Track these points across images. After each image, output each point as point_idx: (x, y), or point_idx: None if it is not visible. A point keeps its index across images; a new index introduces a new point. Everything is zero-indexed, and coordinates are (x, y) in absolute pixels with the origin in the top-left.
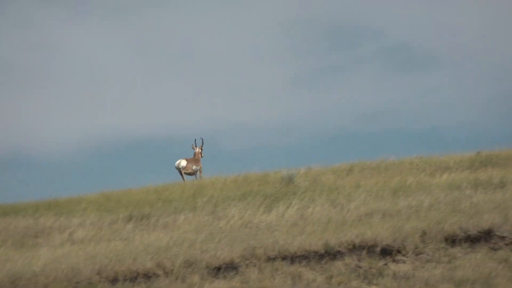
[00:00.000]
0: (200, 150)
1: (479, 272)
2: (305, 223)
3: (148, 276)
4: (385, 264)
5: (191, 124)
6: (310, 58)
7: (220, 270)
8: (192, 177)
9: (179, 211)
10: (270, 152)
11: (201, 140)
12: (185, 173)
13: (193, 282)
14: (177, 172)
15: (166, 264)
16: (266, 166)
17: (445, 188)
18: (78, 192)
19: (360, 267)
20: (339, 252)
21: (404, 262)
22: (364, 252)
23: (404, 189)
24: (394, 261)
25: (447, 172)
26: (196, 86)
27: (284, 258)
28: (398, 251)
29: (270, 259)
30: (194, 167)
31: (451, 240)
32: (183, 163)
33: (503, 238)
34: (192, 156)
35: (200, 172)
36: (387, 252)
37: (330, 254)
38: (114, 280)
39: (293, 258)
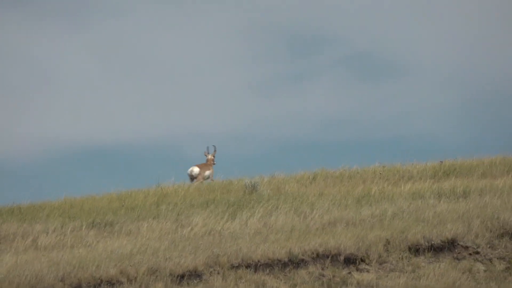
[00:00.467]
0: (212, 157)
1: (442, 282)
2: (268, 231)
3: (111, 283)
4: (349, 273)
5: (152, 131)
6: (271, 65)
7: (184, 277)
8: (196, 181)
9: (143, 219)
10: (233, 160)
11: (214, 147)
12: (196, 179)
13: None
14: (188, 178)
15: (130, 272)
16: (229, 174)
17: (409, 197)
18: (41, 198)
19: (323, 276)
20: (302, 260)
21: (367, 271)
22: (327, 260)
23: (368, 198)
24: (357, 270)
25: (410, 181)
26: (157, 94)
27: (247, 266)
28: (362, 260)
29: (234, 267)
30: (206, 173)
31: (415, 249)
32: (196, 169)
33: (466, 247)
34: (204, 162)
35: (212, 177)
36: (350, 261)
37: (293, 263)
38: (77, 287)
39: (256, 266)
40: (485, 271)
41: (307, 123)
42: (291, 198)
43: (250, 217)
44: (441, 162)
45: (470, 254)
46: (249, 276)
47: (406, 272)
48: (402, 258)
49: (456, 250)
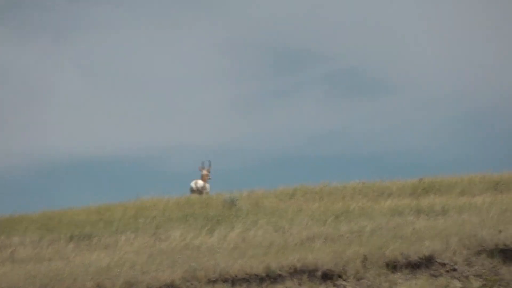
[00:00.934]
0: (207, 172)
1: None
2: (246, 246)
3: None
4: None
5: (133, 145)
6: (254, 81)
7: None
8: (198, 194)
9: (121, 232)
10: (213, 175)
11: (209, 162)
12: (199, 192)
13: None
14: (190, 192)
15: (107, 285)
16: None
17: (387, 214)
18: (19, 211)
19: None
20: (280, 275)
21: (345, 287)
22: (305, 276)
23: (347, 214)
24: (335, 285)
25: (389, 198)
26: (140, 108)
27: (225, 280)
28: (339, 276)
29: (211, 282)
30: (207, 186)
31: (392, 266)
32: (201, 182)
33: (443, 265)
34: (199, 177)
35: (209, 191)
36: (328, 277)
37: (271, 278)
38: None
39: (234, 281)
40: None
41: (289, 138)
42: (270, 214)
43: (229, 231)
44: (421, 179)
45: (447, 271)
46: None
47: None
48: (380, 275)
49: (433, 267)
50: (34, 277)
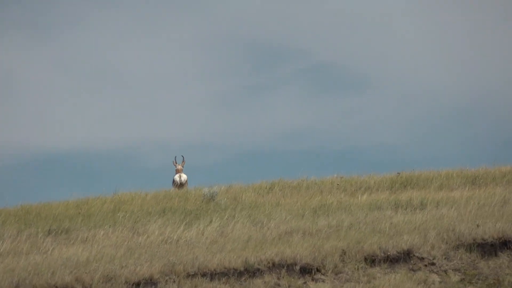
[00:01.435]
0: (181, 167)
1: None
2: (225, 241)
3: None
4: (305, 282)
5: (111, 140)
6: (231, 77)
7: (140, 285)
8: (180, 188)
9: (99, 226)
10: (191, 170)
11: (182, 157)
12: (182, 186)
13: None
14: (172, 185)
15: (85, 279)
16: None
17: (365, 208)
18: None
19: (279, 285)
20: (258, 270)
21: (323, 281)
22: (283, 270)
23: (325, 209)
24: (313, 279)
25: (367, 192)
26: (118, 104)
27: (203, 274)
28: (318, 270)
29: (190, 276)
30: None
31: (371, 260)
32: (184, 176)
33: (422, 259)
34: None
35: (187, 186)
36: (306, 271)
37: (249, 272)
38: None
39: (212, 275)
40: (440, 282)
41: (267, 133)
42: (248, 208)
43: (207, 226)
44: (399, 173)
45: (426, 265)
46: (204, 284)
47: (361, 283)
48: (358, 269)
49: (411, 261)
50: (12, 270)
